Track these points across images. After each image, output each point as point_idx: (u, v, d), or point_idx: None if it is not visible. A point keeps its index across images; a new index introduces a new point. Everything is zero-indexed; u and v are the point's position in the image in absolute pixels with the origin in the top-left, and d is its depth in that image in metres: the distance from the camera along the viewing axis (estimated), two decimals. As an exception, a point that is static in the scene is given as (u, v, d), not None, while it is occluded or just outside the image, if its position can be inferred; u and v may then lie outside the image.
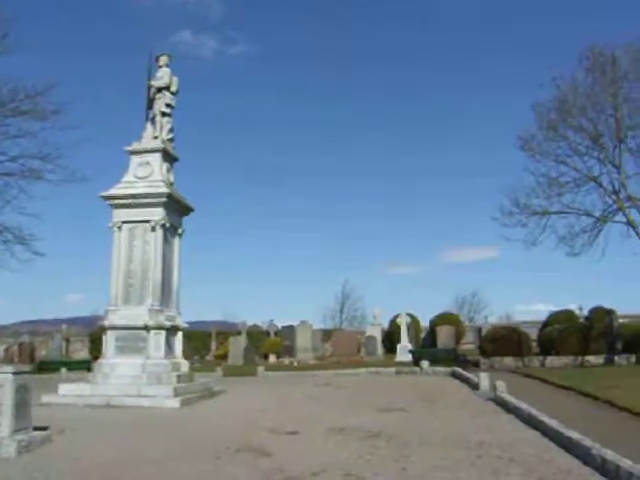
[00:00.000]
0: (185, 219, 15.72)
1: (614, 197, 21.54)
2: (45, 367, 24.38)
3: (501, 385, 12.30)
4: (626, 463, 5.71)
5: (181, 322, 14.79)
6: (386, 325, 35.17)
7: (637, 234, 20.89)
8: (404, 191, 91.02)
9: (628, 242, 21.67)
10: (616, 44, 21.53)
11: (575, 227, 22.16)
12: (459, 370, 19.01)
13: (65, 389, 13.45)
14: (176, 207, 14.99)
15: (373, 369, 22.59)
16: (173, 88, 15.43)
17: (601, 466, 6.10)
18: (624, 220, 21.31)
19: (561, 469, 6.34)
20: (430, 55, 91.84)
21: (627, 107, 21.20)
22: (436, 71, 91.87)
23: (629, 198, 21.23)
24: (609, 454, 6.11)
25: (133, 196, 14.24)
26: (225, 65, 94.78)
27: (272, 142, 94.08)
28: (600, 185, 21.85)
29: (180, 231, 15.33)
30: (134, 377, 13.17)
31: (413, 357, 25.75)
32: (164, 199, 14.20)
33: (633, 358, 21.57)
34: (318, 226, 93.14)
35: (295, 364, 27.12)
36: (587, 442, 6.75)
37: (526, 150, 22.69)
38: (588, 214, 22.06)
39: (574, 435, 7.21)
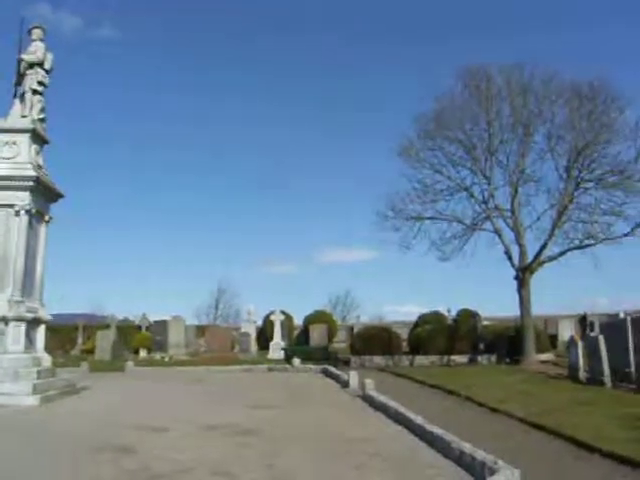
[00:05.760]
0: (53, 206, 14.82)
1: (484, 206, 22.88)
2: None
3: (370, 383, 12.66)
4: (480, 454, 6.09)
5: (44, 314, 13.93)
6: (261, 322, 35.24)
7: (502, 242, 22.32)
8: (284, 188, 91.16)
9: (494, 249, 23.12)
10: (491, 63, 22.96)
11: (447, 233, 23.30)
12: (330, 368, 19.39)
13: None
14: (44, 192, 14.07)
15: (246, 366, 22.55)
16: (47, 65, 14.41)
17: (459, 458, 6.45)
18: (491, 228, 22.70)
19: (423, 462, 6.62)
20: (309, 60, 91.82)
21: (499, 123, 22.57)
22: (315, 78, 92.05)
23: (497, 208, 22.62)
24: (466, 447, 6.47)
25: (-4, 178, 13.22)
26: (86, 47, 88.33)
27: (134, 136, 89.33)
28: (471, 195, 23.12)
29: (47, 218, 14.42)
30: (-12, 372, 12.23)
31: (286, 355, 25.95)
32: (31, 183, 13.29)
33: (493, 357, 23.09)
34: (194, 221, 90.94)
35: (167, 360, 26.49)
36: (448, 436, 7.12)
37: (404, 157, 23.54)
38: (459, 221, 23.25)
39: (436, 430, 7.56)
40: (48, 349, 14.41)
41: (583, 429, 8.38)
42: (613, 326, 16.23)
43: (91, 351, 29.70)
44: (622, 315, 22.77)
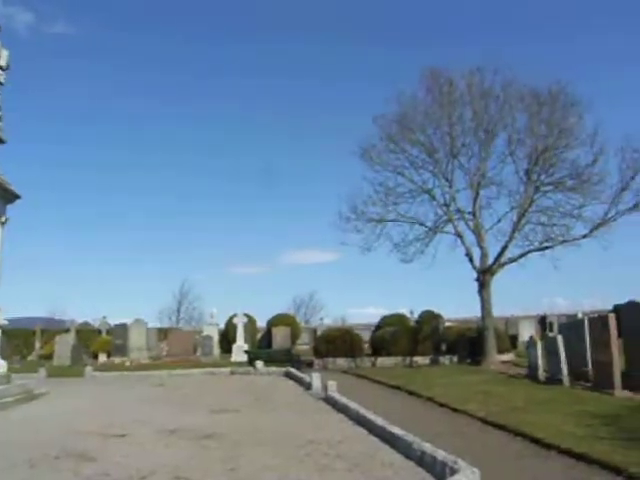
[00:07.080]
0: (10, 207, 14.46)
1: (445, 209, 23.05)
2: None
3: (332, 385, 12.66)
4: (441, 454, 6.15)
5: (0, 318, 13.58)
6: (223, 325, 34.96)
7: (463, 244, 22.56)
8: (247, 190, 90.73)
9: (455, 252, 23.35)
10: (454, 68, 23.18)
11: (409, 235, 23.43)
12: (293, 370, 19.34)
13: None
14: (0, 193, 13.74)
15: (208, 369, 22.35)
16: (2, 62, 14.10)
17: (420, 458, 6.49)
18: (453, 231, 22.92)
19: (384, 463, 6.64)
20: (273, 65, 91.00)
21: (461, 127, 22.82)
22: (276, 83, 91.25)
23: (458, 211, 22.86)
24: (427, 447, 6.52)
25: (-51, 178, 12.84)
26: (42, 45, 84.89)
27: (93, 135, 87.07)
28: (433, 197, 23.27)
29: (3, 219, 14.07)
30: (-60, 379, 11.87)
31: (249, 357, 25.80)
32: (-14, 183, 12.99)
33: (455, 358, 23.33)
34: (156, 222, 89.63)
35: (127, 364, 26.05)
36: (409, 437, 7.15)
37: (366, 159, 23.61)
38: (421, 224, 23.41)
39: (397, 431, 7.59)
40: (4, 355, 14.08)
41: (542, 427, 8.52)
42: (571, 326, 16.53)
43: (49, 356, 29.02)
44: (580, 316, 23.25)
